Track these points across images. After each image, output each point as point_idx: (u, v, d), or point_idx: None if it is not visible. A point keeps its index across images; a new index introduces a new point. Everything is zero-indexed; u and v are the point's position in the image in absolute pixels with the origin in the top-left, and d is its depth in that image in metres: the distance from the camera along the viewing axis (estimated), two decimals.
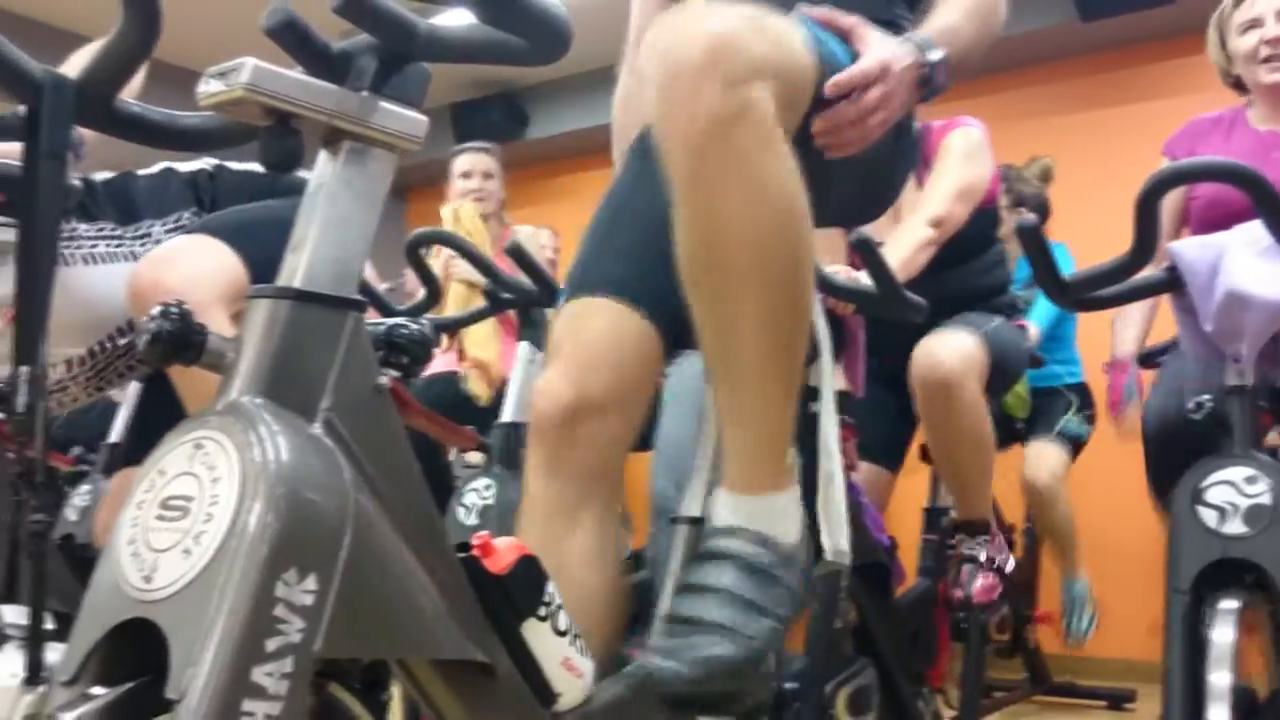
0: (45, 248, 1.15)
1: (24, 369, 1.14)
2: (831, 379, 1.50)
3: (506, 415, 2.49)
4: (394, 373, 0.95)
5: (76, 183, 1.31)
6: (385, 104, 0.93)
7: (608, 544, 1.26)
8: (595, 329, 1.27)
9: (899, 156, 1.37)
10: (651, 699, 1.16)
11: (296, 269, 0.90)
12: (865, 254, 1.76)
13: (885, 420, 2.49)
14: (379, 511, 0.88)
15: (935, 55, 1.23)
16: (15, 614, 1.10)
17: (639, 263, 1.27)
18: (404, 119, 0.94)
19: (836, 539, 1.37)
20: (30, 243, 1.15)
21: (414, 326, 0.97)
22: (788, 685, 1.61)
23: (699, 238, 1.05)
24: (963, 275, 2.51)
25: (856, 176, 1.31)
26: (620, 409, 1.26)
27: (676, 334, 1.26)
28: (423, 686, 0.97)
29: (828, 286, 1.73)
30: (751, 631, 1.07)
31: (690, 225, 1.05)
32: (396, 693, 1.46)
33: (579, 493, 1.25)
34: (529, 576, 1.09)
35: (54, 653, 1.04)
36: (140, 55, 1.10)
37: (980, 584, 2.40)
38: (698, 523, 1.32)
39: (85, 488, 2.93)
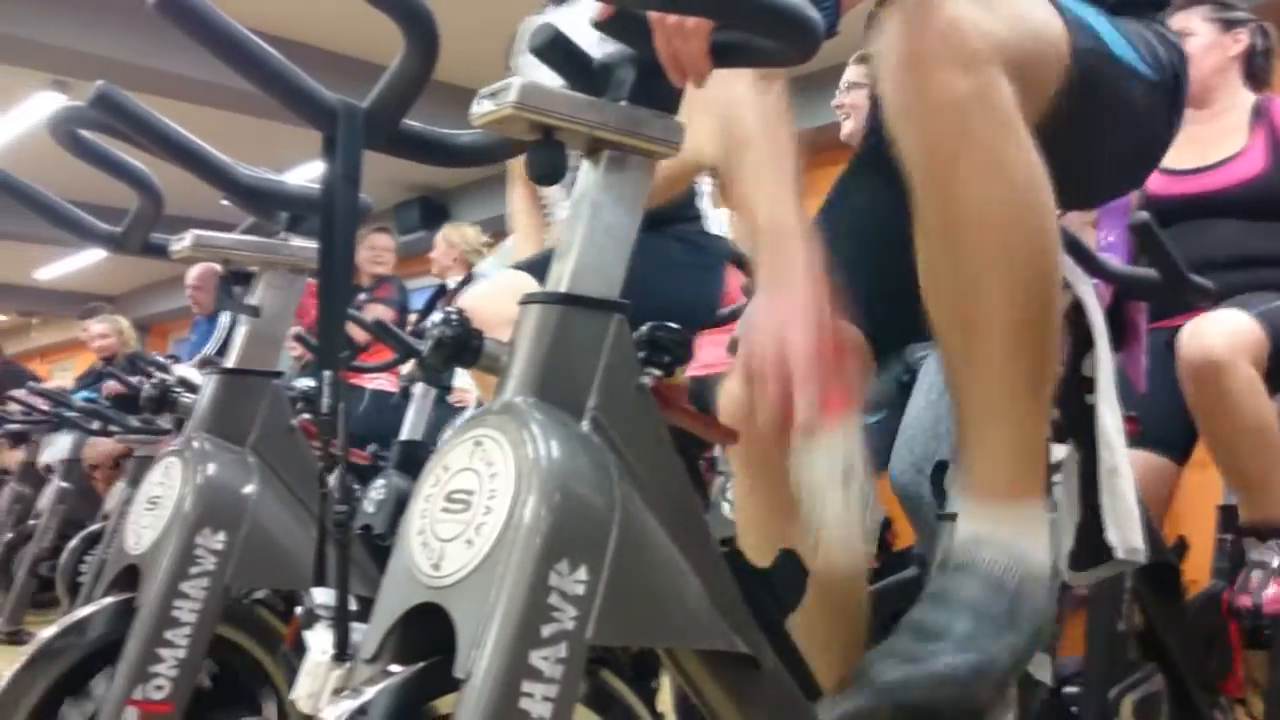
0: (342, 262, 1.25)
1: (326, 374, 1.24)
2: (1109, 369, 1.43)
3: None
4: (656, 372, 0.98)
5: (369, 201, 1.42)
6: (643, 113, 0.95)
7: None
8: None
9: (1169, 111, 1.28)
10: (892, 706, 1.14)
11: (563, 275, 0.94)
12: (1145, 236, 1.65)
13: (1170, 403, 2.31)
14: (644, 506, 0.91)
15: None
16: (325, 596, 1.21)
17: (850, 268, 1.24)
18: (661, 125, 0.96)
19: (1127, 536, 1.27)
20: (329, 257, 1.25)
21: (674, 327, 1.00)
22: (1066, 689, 1.54)
23: (937, 229, 1.01)
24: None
25: (1127, 146, 1.24)
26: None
27: (883, 337, 1.23)
28: (690, 676, 1.00)
29: (1103, 272, 1.64)
30: (991, 648, 1.00)
31: (928, 217, 1.02)
32: (665, 682, 1.50)
33: (786, 495, 1.22)
34: (792, 571, 1.10)
35: (358, 632, 1.14)
36: (422, 79, 1.17)
37: (1272, 592, 2.20)
38: None
39: (380, 482, 3.16)
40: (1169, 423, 2.27)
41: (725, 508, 2.54)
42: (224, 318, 5.20)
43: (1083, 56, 1.08)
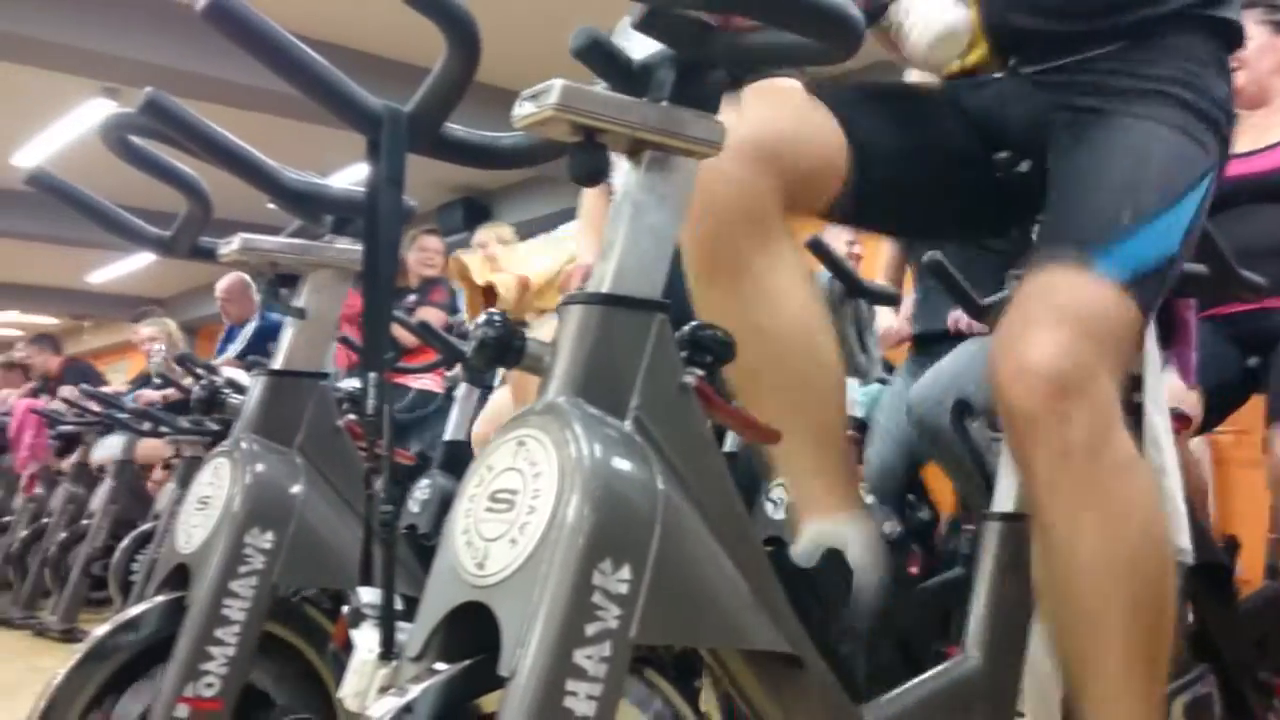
0: (387, 264, 1.26)
1: (372, 375, 1.26)
2: (1157, 366, 1.41)
3: None
4: (698, 371, 0.98)
5: (413, 204, 1.43)
6: (684, 113, 0.95)
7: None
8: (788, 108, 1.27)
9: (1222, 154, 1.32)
10: (974, 703, 1.14)
11: (605, 275, 0.95)
12: None
13: (1225, 375, 2.26)
14: (687, 505, 0.91)
15: None
16: (370, 595, 1.22)
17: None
18: (702, 125, 0.96)
19: (1173, 536, 1.28)
20: (374, 260, 1.26)
21: (717, 327, 1.00)
22: None
23: (1058, 567, 1.10)
24: None
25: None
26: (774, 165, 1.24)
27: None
28: (733, 676, 1.00)
29: None
30: None
31: (1048, 554, 1.11)
32: (709, 682, 1.49)
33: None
34: (836, 571, 1.09)
35: (404, 631, 1.14)
36: (464, 83, 1.18)
37: None
38: (1010, 519, 1.28)
39: (425, 482, 3.18)
40: (1216, 395, 2.22)
41: (769, 507, 2.53)
42: (249, 325, 5.28)
43: (1147, 305, 1.18)
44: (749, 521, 1.00)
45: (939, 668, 1.20)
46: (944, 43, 1.26)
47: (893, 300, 2.80)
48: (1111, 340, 1.10)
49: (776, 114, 1.19)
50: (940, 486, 2.87)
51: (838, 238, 3.05)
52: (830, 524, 1.21)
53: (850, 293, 2.69)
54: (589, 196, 2.44)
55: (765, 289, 1.17)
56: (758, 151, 1.14)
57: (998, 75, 1.34)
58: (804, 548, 1.20)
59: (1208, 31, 1.28)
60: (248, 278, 5.53)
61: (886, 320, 3.11)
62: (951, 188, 1.35)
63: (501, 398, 2.37)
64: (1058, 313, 1.09)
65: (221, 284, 5.59)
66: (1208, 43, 1.28)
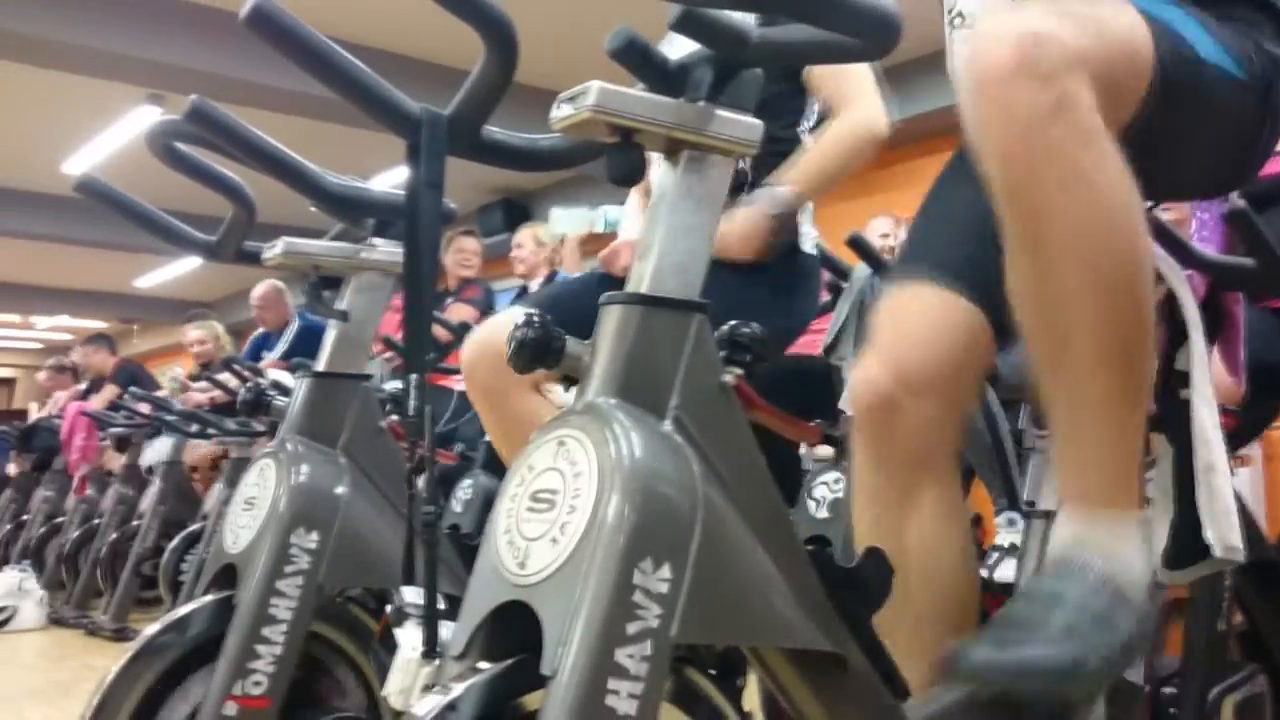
0: (427, 266, 1.27)
1: (413, 376, 1.27)
2: (1204, 362, 1.39)
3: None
4: (738, 370, 0.98)
5: (453, 206, 1.44)
6: (721, 112, 0.96)
7: (952, 532, 1.22)
8: (915, 315, 1.24)
9: (1263, 114, 1.24)
10: (1017, 702, 1.12)
11: (643, 275, 0.95)
12: (1242, 223, 1.60)
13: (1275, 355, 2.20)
14: (727, 504, 0.91)
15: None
16: (414, 594, 1.23)
17: (964, 247, 1.22)
18: (739, 125, 0.96)
19: (1224, 534, 1.24)
20: (415, 261, 1.27)
21: (755, 326, 1.00)
22: (1165, 690, 1.51)
23: (1024, 244, 1.00)
24: None
25: (1219, 146, 1.21)
26: (943, 393, 1.23)
27: (1008, 320, 1.21)
28: (775, 674, 1.00)
29: (1197, 262, 1.60)
30: (1085, 646, 0.96)
31: (1013, 233, 1.00)
32: (752, 680, 1.49)
33: (907, 480, 1.22)
34: (878, 569, 1.09)
35: (446, 630, 1.15)
36: (502, 86, 1.19)
37: None
38: (1053, 516, 1.27)
39: (467, 482, 3.20)
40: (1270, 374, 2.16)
41: (811, 506, 2.52)
42: (290, 329, 5.34)
43: (1169, 59, 1.06)
44: (790, 520, 1.00)
45: None
46: None
47: None
48: (1105, 45, 0.99)
49: None
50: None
51: (874, 231, 3.04)
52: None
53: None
54: (635, 191, 2.44)
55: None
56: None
57: None
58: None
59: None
60: (281, 284, 5.60)
61: None
62: (1234, 154, 1.26)
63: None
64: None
65: (256, 291, 5.66)
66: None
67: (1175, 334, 1.33)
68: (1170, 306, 1.33)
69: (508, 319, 1.85)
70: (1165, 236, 1.40)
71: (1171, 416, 1.32)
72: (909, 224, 1.47)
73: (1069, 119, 0.94)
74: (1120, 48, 1.02)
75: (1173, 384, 1.33)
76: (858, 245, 2.29)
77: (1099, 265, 0.98)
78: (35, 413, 8.28)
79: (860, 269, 2.36)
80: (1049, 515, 1.28)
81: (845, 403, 2.41)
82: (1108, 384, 1.01)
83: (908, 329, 1.24)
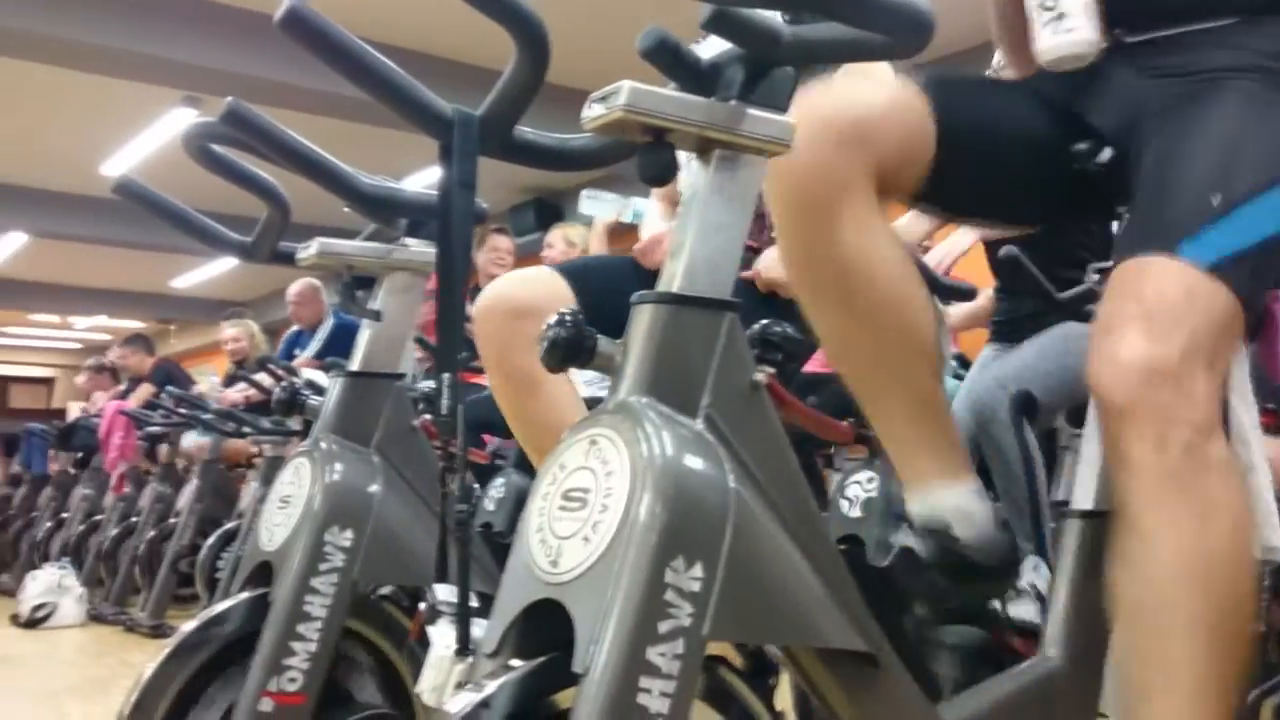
0: (460, 265, 1.27)
1: (446, 375, 1.27)
2: (1244, 360, 1.37)
3: None
4: (770, 369, 0.97)
5: (484, 206, 1.45)
6: (753, 111, 0.95)
7: (878, 242, 1.24)
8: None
9: None
10: (1054, 703, 1.12)
11: (675, 274, 0.95)
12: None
13: None
14: (759, 503, 0.91)
15: None
16: (447, 592, 1.23)
17: None
18: (771, 124, 0.96)
19: (1264, 534, 1.24)
20: (448, 261, 1.28)
21: (787, 326, 0.99)
22: None
23: (1134, 566, 1.06)
24: None
25: None
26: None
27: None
28: (808, 674, 1.00)
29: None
30: None
31: (1125, 550, 1.07)
32: (784, 679, 1.49)
33: (1197, 443, 1.27)
34: (910, 569, 1.08)
35: (479, 627, 1.16)
36: (534, 86, 1.19)
37: None
38: (1090, 516, 1.26)
39: (500, 480, 3.21)
40: None
41: (844, 505, 2.51)
42: (323, 327, 5.38)
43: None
44: (822, 519, 1.00)
45: (1018, 667, 1.18)
46: (1072, 60, 1.25)
47: (969, 296, 2.76)
48: (1205, 329, 1.07)
49: (868, 91, 1.19)
50: None
51: (909, 233, 3.02)
52: (940, 493, 1.22)
53: (931, 293, 2.66)
54: (654, 198, 2.44)
55: (859, 262, 1.16)
56: (851, 127, 1.14)
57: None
58: (917, 519, 1.21)
59: None
60: (317, 282, 5.64)
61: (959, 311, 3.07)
62: (1033, 175, 1.34)
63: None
64: (1145, 302, 1.07)
65: (293, 289, 5.71)
66: None
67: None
68: None
69: (529, 274, 1.86)
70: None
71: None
72: None
73: (1200, 450, 1.03)
74: (1226, 329, 1.11)
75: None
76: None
77: (1206, 593, 1.05)
78: (74, 412, 8.38)
79: None
80: (1084, 515, 1.27)
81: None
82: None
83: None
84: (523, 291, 1.79)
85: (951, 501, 1.22)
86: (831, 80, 1.15)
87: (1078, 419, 1.40)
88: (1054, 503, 1.56)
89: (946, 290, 2.28)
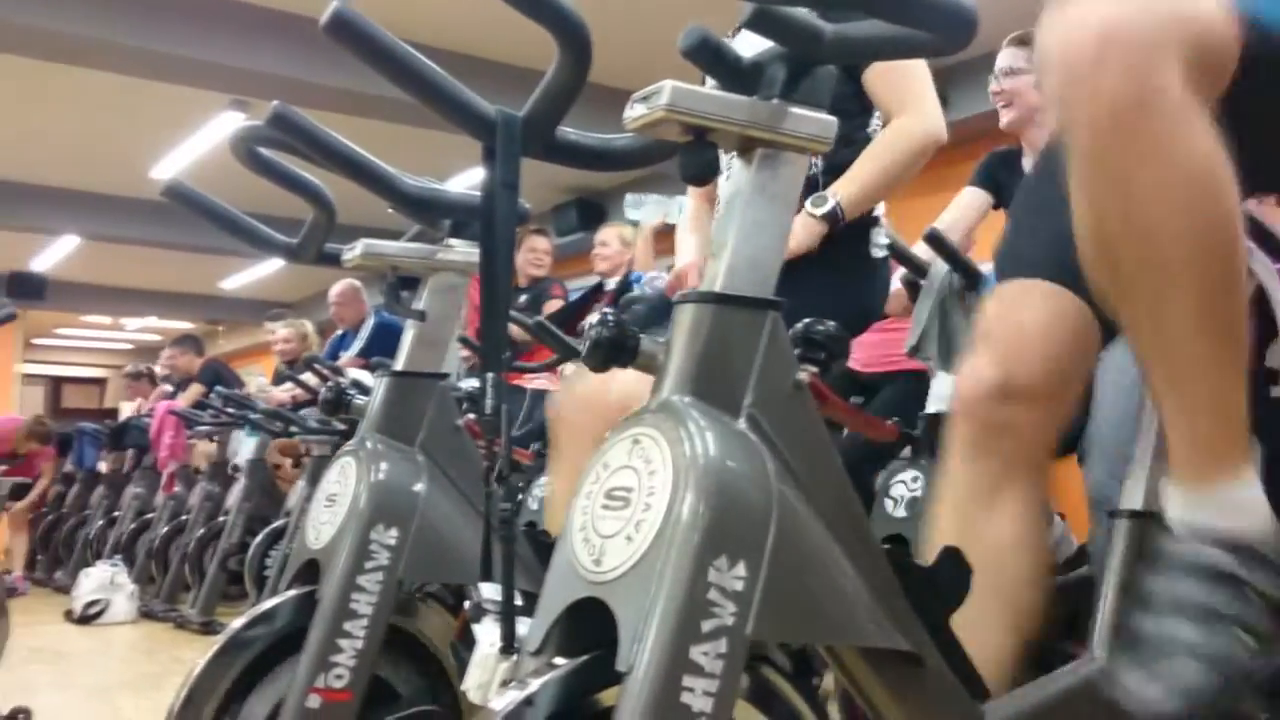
0: (503, 266, 1.28)
1: (490, 375, 1.28)
2: None
3: (932, 406, 2.45)
4: (812, 368, 0.97)
5: (527, 206, 1.45)
6: (795, 109, 0.95)
7: (1034, 532, 1.21)
8: (1027, 312, 1.23)
9: None
10: (1099, 705, 1.10)
11: (717, 274, 0.95)
12: None
13: None
14: (802, 503, 0.91)
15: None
16: (491, 591, 1.24)
17: (1070, 244, 1.21)
18: (814, 122, 0.96)
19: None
20: (491, 262, 1.29)
21: (830, 324, 0.99)
22: None
23: (1113, 235, 0.98)
24: None
25: None
26: (1050, 395, 1.21)
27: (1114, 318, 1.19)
28: (851, 674, 0.99)
29: None
30: (1224, 649, 0.98)
31: (1102, 223, 0.98)
32: (828, 679, 1.49)
33: (1000, 477, 1.21)
34: (955, 568, 1.08)
35: (523, 625, 1.17)
36: (576, 87, 1.20)
37: None
38: (1139, 516, 1.24)
39: (544, 479, 3.23)
40: None
41: (888, 505, 2.50)
42: (365, 326, 5.43)
43: (1257, 34, 1.02)
44: (866, 519, 0.99)
45: (1065, 668, 1.17)
46: None
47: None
48: (1188, 26, 0.94)
49: None
50: (1065, 485, 2.79)
51: (954, 229, 3.00)
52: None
53: (970, 285, 2.63)
54: (691, 198, 2.45)
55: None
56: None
57: None
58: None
59: None
60: (357, 283, 5.70)
61: None
62: None
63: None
64: None
65: (334, 290, 5.77)
66: None
67: (1266, 330, 1.30)
68: (1260, 303, 1.29)
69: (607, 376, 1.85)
70: (1257, 231, 1.36)
71: (1263, 415, 1.28)
72: None
73: (1160, 110, 0.92)
74: (1204, 23, 0.98)
75: (1264, 383, 1.30)
76: (936, 242, 2.26)
77: (1193, 250, 0.96)
78: (125, 412, 8.52)
79: (938, 266, 2.33)
80: (1132, 515, 1.25)
81: (937, 400, 2.38)
82: (1207, 360, 1.00)
83: (1020, 326, 1.22)
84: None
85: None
86: None
87: None
88: None
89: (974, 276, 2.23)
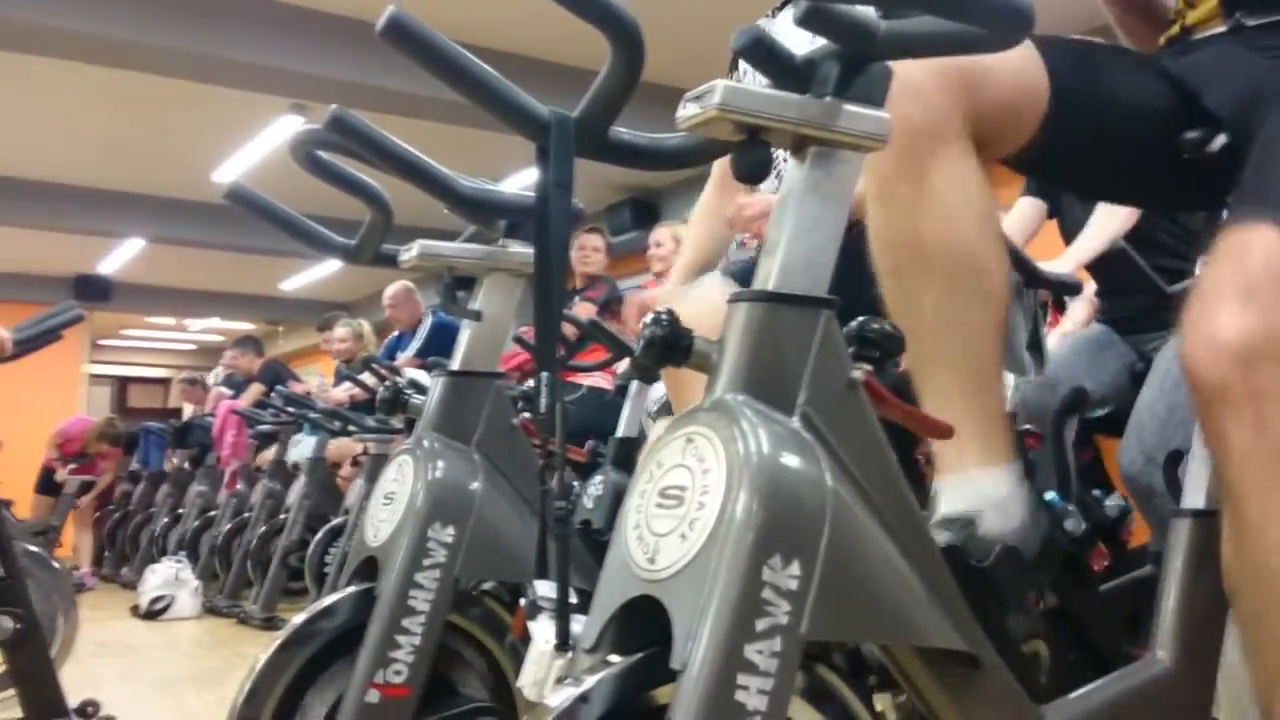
0: (558, 265, 1.29)
1: (544, 374, 1.29)
2: None
3: None
4: (867, 366, 0.97)
5: (580, 206, 1.46)
6: (849, 107, 0.95)
7: (969, 196, 1.18)
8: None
9: None
10: (1161, 707, 1.09)
11: (770, 272, 0.95)
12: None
13: None
14: (857, 501, 0.90)
15: None
16: (546, 588, 1.25)
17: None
18: (868, 119, 0.95)
19: None
20: (545, 260, 1.29)
21: (886, 322, 0.99)
22: None
23: (1248, 561, 1.01)
24: None
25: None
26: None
27: None
28: (908, 674, 0.99)
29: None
30: None
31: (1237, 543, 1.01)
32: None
33: (923, 156, 1.18)
34: (1013, 568, 1.07)
35: (578, 623, 1.17)
36: (629, 87, 1.20)
37: None
38: (1201, 516, 1.22)
39: (598, 478, 3.24)
40: None
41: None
42: (422, 326, 5.48)
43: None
44: (922, 517, 0.99)
45: (1126, 669, 1.15)
46: None
47: (1075, 290, 2.70)
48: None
49: None
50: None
51: (1014, 235, 2.96)
52: (976, 480, 1.13)
53: (1029, 283, 2.60)
54: (708, 186, 2.40)
55: (938, 206, 1.11)
56: (954, 70, 1.10)
57: (1217, 32, 1.28)
58: (942, 505, 1.13)
59: None
60: (411, 284, 5.76)
61: (1079, 312, 3.00)
62: (1145, 154, 1.28)
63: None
64: (1250, 276, 0.99)
65: (388, 293, 5.83)
66: None
67: None
68: None
69: (701, 294, 1.85)
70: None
71: None
72: None
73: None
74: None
75: None
76: None
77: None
78: (189, 411, 8.69)
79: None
80: (1194, 514, 1.23)
81: None
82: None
83: None
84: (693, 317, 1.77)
85: (985, 489, 1.12)
86: None
87: None
88: None
89: (1050, 283, 2.23)
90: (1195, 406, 1.03)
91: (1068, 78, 1.20)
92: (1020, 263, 2.30)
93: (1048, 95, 1.18)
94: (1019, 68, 1.17)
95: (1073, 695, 1.10)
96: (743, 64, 2.08)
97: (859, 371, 0.96)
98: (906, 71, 1.00)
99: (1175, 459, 1.42)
